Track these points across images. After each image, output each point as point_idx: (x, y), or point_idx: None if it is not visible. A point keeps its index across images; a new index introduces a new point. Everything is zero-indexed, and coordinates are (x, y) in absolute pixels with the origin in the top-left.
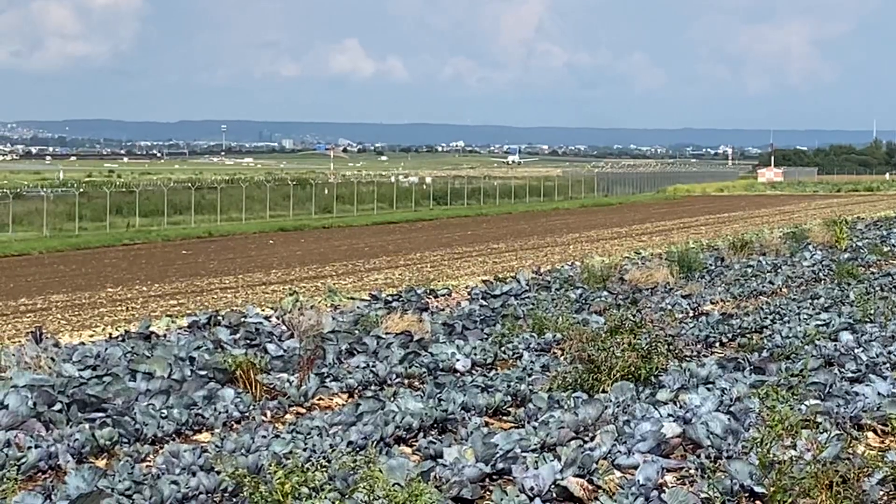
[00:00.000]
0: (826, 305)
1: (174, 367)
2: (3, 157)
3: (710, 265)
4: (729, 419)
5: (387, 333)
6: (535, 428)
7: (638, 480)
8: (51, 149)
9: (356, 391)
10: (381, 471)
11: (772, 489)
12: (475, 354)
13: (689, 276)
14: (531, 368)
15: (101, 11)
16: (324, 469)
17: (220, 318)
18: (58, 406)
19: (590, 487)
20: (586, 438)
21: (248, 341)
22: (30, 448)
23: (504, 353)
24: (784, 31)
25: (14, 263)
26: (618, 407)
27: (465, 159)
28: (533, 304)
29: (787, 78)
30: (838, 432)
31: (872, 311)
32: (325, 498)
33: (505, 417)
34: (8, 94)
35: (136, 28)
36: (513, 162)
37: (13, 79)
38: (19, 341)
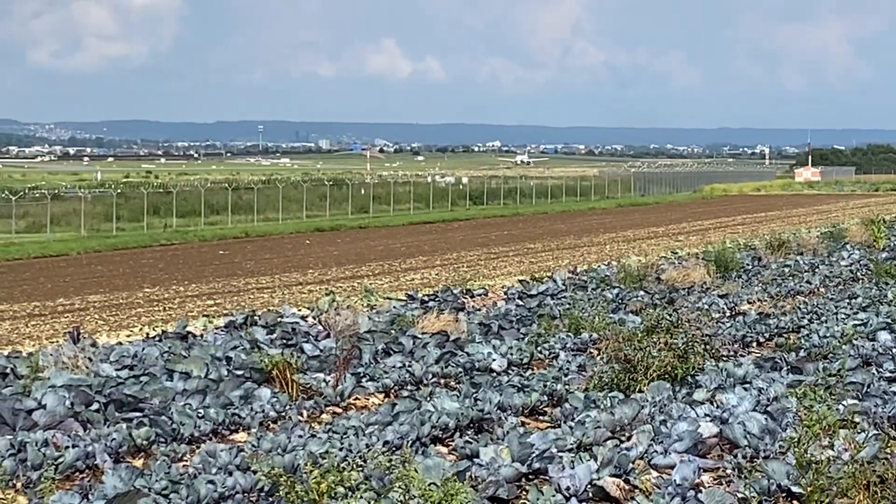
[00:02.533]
0: (864, 305)
1: (211, 366)
2: (41, 158)
3: (748, 265)
4: (766, 419)
5: (423, 333)
6: (571, 428)
7: (674, 480)
8: (89, 150)
9: (392, 391)
10: (416, 470)
11: (809, 489)
12: (511, 354)
13: (726, 275)
14: (567, 368)
15: (139, 12)
16: (360, 469)
17: (256, 317)
18: (95, 406)
19: (626, 487)
20: (623, 438)
21: (285, 341)
22: (67, 448)
23: (540, 352)
24: (821, 30)
25: (52, 264)
26: (654, 407)
27: (501, 159)
28: (569, 303)
29: (825, 77)
30: (876, 432)
31: None
32: (361, 497)
33: (541, 417)
34: (47, 96)
35: (174, 28)
36: (521, 162)
37: (52, 80)
38: (57, 341)
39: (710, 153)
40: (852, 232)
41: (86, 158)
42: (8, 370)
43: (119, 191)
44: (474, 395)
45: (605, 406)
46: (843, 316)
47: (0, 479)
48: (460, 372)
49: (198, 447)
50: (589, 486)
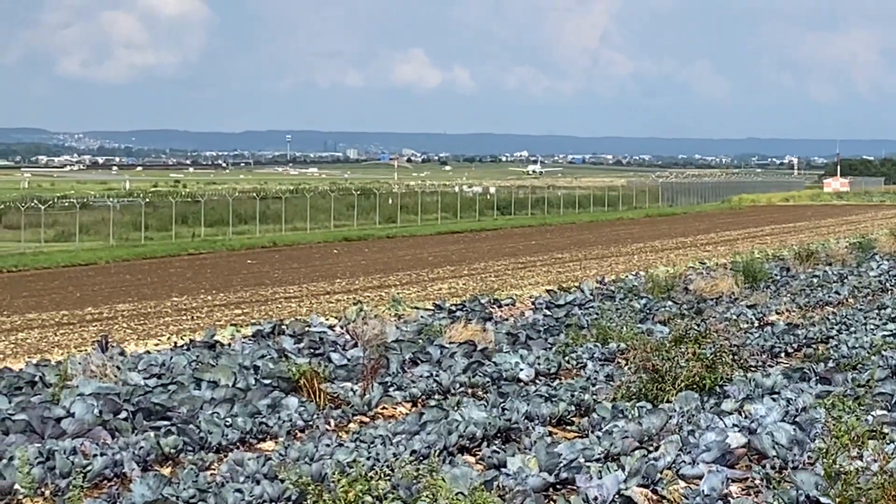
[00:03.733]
0: (893, 315)
1: (238, 375)
2: (70, 167)
3: (776, 275)
4: (794, 429)
5: (450, 343)
6: (598, 437)
7: (702, 491)
8: (117, 159)
9: (420, 400)
10: (444, 480)
11: (838, 500)
12: (539, 364)
13: (754, 286)
14: (595, 378)
15: (167, 22)
16: (387, 478)
17: (284, 327)
18: (123, 414)
19: (654, 497)
20: (650, 448)
21: (312, 350)
22: (95, 456)
23: (568, 362)
24: (850, 40)
25: (81, 272)
26: (682, 417)
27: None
28: (597, 313)
29: (854, 87)
30: None
31: None
32: None
33: (569, 427)
34: (76, 105)
35: (203, 38)
36: (532, 172)
37: (81, 90)
38: (86, 350)
39: (739, 163)
40: (881, 242)
41: (114, 168)
42: (37, 378)
43: (147, 200)
44: (502, 405)
45: (632, 416)
46: (872, 326)
47: (29, 487)
48: (488, 381)
49: (225, 456)
50: (616, 496)
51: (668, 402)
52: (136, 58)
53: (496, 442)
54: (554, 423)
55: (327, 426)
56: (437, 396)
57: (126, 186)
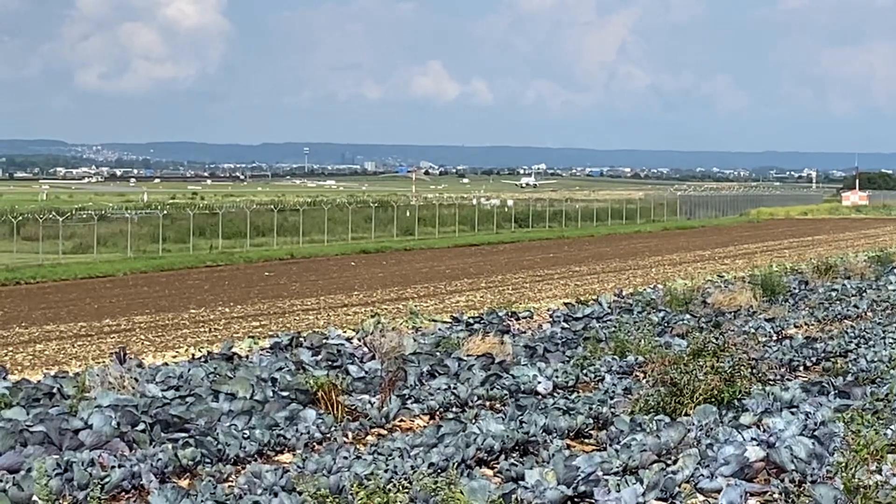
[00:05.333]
0: None
1: (256, 387)
2: (88, 179)
3: (794, 289)
4: (813, 443)
5: (468, 355)
6: (617, 451)
7: None
8: (135, 171)
9: (437, 413)
10: (462, 492)
11: None
12: (557, 377)
13: (772, 299)
14: (613, 391)
15: (186, 34)
16: (405, 490)
17: (301, 339)
18: (141, 426)
19: None
20: (668, 462)
21: (330, 363)
22: (113, 467)
23: (586, 375)
24: (869, 53)
25: (98, 284)
26: (700, 430)
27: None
28: (615, 326)
29: (872, 100)
30: None
31: None
32: None
33: (587, 440)
34: (94, 117)
35: (221, 51)
36: (526, 185)
37: (99, 102)
38: (103, 362)
39: (757, 177)
40: None
41: (132, 180)
42: (55, 390)
43: (165, 212)
44: (519, 418)
45: (650, 429)
46: (891, 340)
47: (46, 499)
48: (505, 394)
49: (243, 468)
50: None
51: (686, 415)
52: (154, 70)
53: (514, 455)
54: (572, 437)
55: (345, 438)
56: (454, 409)
57: (144, 198)
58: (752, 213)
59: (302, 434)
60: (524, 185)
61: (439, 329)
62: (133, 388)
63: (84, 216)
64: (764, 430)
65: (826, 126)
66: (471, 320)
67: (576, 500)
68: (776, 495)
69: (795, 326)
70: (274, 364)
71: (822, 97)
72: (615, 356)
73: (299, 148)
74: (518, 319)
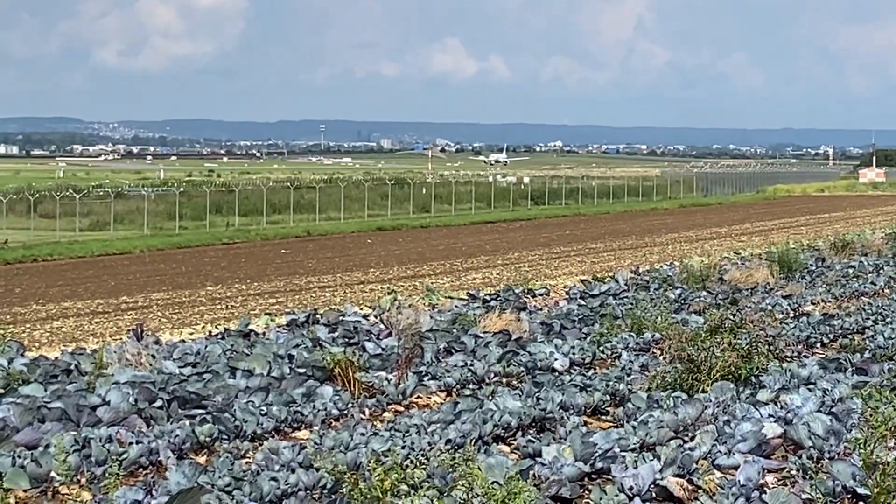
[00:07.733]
0: None
1: (273, 364)
2: (105, 156)
3: (811, 265)
4: (831, 420)
5: (485, 332)
6: (634, 427)
7: (738, 481)
8: (152, 148)
9: (454, 390)
10: (479, 469)
11: (875, 490)
12: (573, 354)
13: (789, 276)
14: (630, 368)
15: (203, 12)
16: (422, 467)
17: (318, 316)
18: (158, 403)
19: (689, 487)
20: (686, 438)
21: (347, 339)
22: (131, 444)
23: (602, 352)
24: (886, 30)
25: (116, 262)
26: (718, 407)
27: (563, 159)
28: (631, 303)
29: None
30: None
31: None
32: (424, 495)
33: (604, 417)
34: (111, 95)
35: (238, 28)
36: (494, 162)
37: (116, 79)
38: (121, 338)
39: (774, 154)
40: None
41: (149, 157)
42: (72, 367)
43: (182, 189)
44: (536, 395)
45: (667, 406)
46: None
47: (65, 475)
48: (522, 371)
49: (260, 444)
50: (652, 485)
51: (703, 392)
52: (171, 47)
53: (531, 431)
54: (589, 413)
55: (362, 415)
56: (471, 386)
57: (160, 176)
58: (768, 190)
59: (319, 411)
60: (493, 163)
61: (456, 306)
62: (150, 364)
63: (101, 193)
64: (781, 407)
65: (843, 103)
66: (487, 297)
67: (593, 476)
68: (794, 472)
69: (812, 303)
70: (291, 341)
71: (840, 74)
72: (632, 333)
73: (315, 125)
74: (534, 296)
